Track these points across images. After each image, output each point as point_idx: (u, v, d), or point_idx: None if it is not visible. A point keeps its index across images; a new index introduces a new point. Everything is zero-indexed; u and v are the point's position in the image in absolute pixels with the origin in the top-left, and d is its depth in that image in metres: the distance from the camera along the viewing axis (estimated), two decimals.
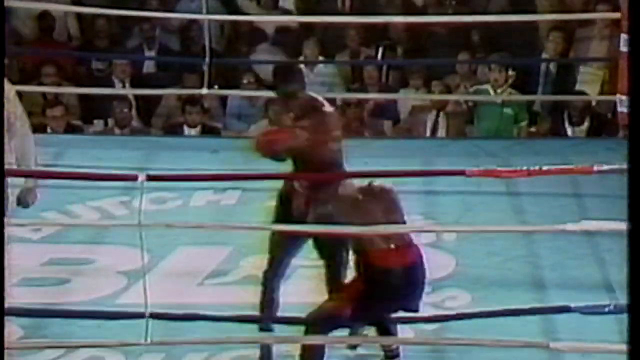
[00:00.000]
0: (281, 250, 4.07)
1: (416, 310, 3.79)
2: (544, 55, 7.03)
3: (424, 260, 3.78)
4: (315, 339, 3.82)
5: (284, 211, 4.02)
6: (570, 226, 3.78)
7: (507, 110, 6.65)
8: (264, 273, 4.11)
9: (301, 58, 7.17)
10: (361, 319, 3.84)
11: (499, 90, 6.59)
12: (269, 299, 4.06)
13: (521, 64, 6.89)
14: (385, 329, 3.94)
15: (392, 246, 3.70)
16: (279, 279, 4.09)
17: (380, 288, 3.70)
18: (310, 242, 4.02)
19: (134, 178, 3.63)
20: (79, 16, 7.60)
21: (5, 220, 2.74)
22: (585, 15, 6.83)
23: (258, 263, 4.90)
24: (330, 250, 3.99)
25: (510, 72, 6.58)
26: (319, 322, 3.79)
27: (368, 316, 3.83)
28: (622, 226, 3.69)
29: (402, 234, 3.75)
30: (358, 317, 3.81)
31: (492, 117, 6.65)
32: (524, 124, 6.71)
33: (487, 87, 6.65)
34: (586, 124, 6.63)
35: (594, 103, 6.75)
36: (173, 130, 6.91)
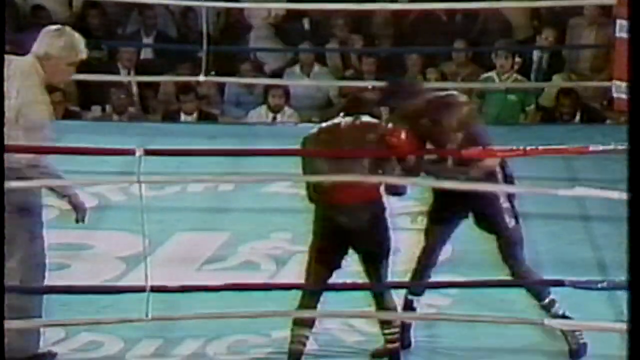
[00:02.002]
0: (435, 238, 4.11)
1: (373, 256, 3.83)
2: (537, 52, 7.06)
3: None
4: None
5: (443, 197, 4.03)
6: (562, 191, 3.81)
7: (512, 97, 6.71)
8: (418, 259, 4.14)
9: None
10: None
11: (504, 77, 6.64)
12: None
13: (518, 51, 6.92)
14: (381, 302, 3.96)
15: None
16: (431, 268, 4.12)
17: None
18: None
19: (132, 152, 3.65)
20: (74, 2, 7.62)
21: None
22: (580, 2, 6.85)
23: (256, 249, 4.95)
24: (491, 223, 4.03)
25: (517, 59, 6.64)
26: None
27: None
28: (614, 194, 3.72)
29: None
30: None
31: (495, 104, 6.70)
32: (530, 108, 6.76)
33: (493, 74, 6.70)
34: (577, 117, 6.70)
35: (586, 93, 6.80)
36: (170, 116, 6.93)
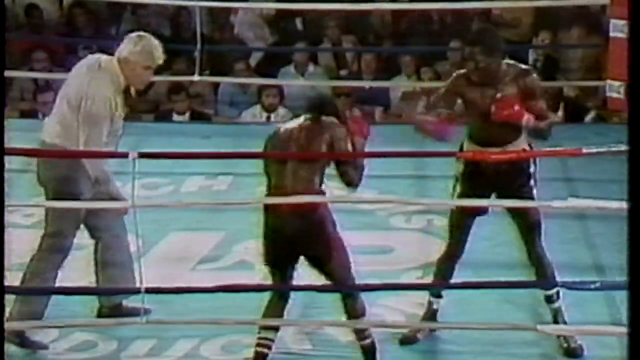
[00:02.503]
0: (461, 232, 4.09)
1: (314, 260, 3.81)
2: (532, 55, 7.07)
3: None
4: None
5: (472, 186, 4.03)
6: (557, 203, 3.82)
7: None
8: (442, 256, 4.13)
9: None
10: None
11: None
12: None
13: (511, 52, 6.92)
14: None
15: None
16: (457, 260, 4.11)
17: None
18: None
19: (125, 155, 3.65)
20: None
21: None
22: (574, 2, 6.87)
23: (250, 248, 4.94)
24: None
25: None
26: None
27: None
28: (610, 204, 3.73)
29: None
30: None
31: None
32: None
33: None
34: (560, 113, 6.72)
35: (570, 93, 6.82)
36: (162, 116, 6.92)
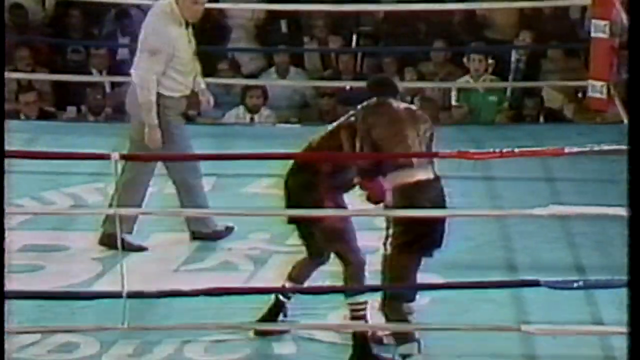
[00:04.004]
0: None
1: None
2: (515, 54, 7.09)
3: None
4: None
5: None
6: (538, 210, 3.83)
7: (492, 98, 6.77)
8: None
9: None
10: None
11: (480, 80, 6.69)
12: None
13: (494, 52, 6.95)
14: None
15: None
16: None
17: None
18: None
19: (107, 157, 3.64)
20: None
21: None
22: (556, 2, 6.89)
23: (234, 249, 4.93)
24: None
25: (490, 61, 6.69)
26: None
27: None
28: (592, 210, 3.75)
29: None
30: None
31: (474, 105, 6.75)
32: (503, 105, 6.80)
33: (467, 78, 6.76)
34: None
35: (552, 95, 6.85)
36: None
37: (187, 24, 4.81)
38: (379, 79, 4.36)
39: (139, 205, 4.78)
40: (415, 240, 3.84)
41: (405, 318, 3.89)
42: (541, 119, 6.74)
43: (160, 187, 5.53)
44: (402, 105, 4.08)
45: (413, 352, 3.83)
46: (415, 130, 3.94)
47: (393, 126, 3.92)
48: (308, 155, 3.94)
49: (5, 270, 2.41)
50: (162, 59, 4.74)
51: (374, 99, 4.04)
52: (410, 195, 3.85)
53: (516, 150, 3.90)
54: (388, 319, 3.89)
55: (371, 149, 3.90)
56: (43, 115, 6.73)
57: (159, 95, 4.78)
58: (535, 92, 6.81)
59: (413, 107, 4.20)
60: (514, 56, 7.04)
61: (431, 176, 3.88)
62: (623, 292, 2.22)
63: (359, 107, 4.09)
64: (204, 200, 4.92)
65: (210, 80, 6.96)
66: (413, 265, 3.89)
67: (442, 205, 3.86)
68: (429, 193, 3.86)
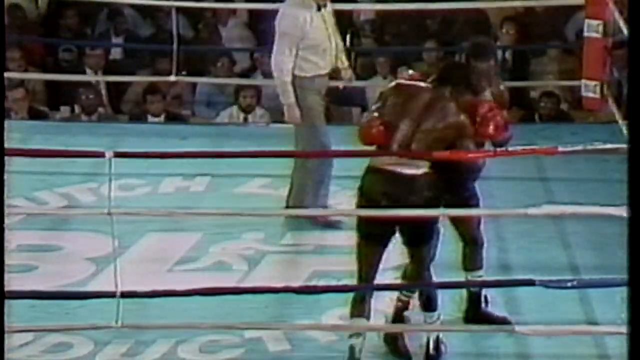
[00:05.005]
0: None
1: None
2: (500, 54, 7.09)
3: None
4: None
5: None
6: (532, 210, 3.83)
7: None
8: None
9: None
10: None
11: None
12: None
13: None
14: None
15: None
16: None
17: None
18: None
19: (101, 155, 3.64)
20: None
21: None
22: (548, 2, 6.90)
23: (228, 249, 4.93)
24: None
25: None
26: None
27: None
28: (585, 209, 3.75)
29: None
30: None
31: None
32: None
33: None
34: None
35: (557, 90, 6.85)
36: (137, 117, 6.89)
37: (318, 7, 4.98)
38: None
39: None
40: (366, 228, 3.91)
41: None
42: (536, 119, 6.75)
43: (153, 187, 5.53)
44: (438, 96, 3.93)
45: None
46: (424, 122, 3.86)
47: (404, 109, 3.87)
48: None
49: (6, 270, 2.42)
50: (291, 42, 4.93)
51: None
52: (373, 180, 3.86)
53: (510, 149, 3.90)
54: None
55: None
56: (36, 115, 6.72)
57: (294, 76, 4.96)
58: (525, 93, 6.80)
59: (447, 104, 3.93)
60: (499, 55, 7.04)
61: (416, 172, 3.84)
62: (617, 292, 2.23)
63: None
64: (325, 193, 5.00)
65: (203, 79, 6.99)
66: (370, 255, 3.93)
67: (417, 204, 3.82)
68: (396, 187, 3.81)
